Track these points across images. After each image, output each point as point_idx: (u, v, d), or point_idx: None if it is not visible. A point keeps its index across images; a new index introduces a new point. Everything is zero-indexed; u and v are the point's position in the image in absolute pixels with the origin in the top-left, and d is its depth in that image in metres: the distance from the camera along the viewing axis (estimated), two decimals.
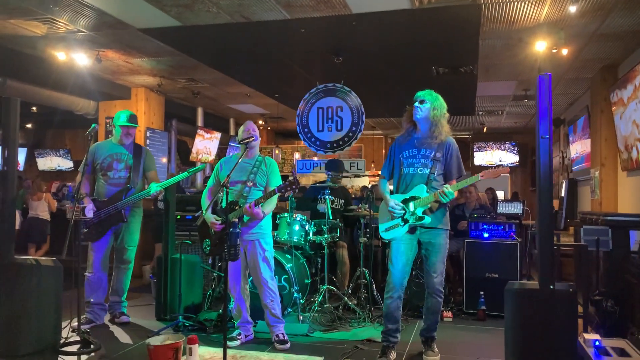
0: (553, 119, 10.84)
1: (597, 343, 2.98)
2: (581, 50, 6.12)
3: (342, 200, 5.90)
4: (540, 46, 5.82)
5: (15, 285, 3.83)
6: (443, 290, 3.91)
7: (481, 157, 13.93)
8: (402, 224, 3.80)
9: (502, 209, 5.60)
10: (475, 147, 14.11)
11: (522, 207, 5.52)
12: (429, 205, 3.75)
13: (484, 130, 13.28)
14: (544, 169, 2.87)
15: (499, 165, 3.99)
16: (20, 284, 3.84)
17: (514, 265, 5.14)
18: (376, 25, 5.56)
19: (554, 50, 5.96)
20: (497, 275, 5.14)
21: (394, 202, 3.81)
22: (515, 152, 13.72)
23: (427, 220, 3.73)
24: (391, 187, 4.02)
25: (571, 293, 2.87)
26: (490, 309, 5.06)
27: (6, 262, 3.88)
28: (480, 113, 11.14)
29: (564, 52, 6.02)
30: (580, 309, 3.84)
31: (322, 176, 7.33)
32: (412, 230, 3.81)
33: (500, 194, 13.12)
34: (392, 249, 3.87)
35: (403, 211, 3.79)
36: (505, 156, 13.83)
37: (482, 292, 5.12)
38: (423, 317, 4.01)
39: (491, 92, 8.97)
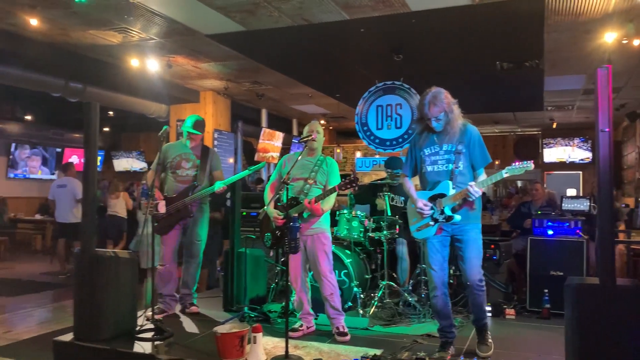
0: (628, 113, 10.31)
1: None
2: None
3: (402, 198, 5.93)
4: (610, 38, 5.63)
5: (96, 275, 4.16)
6: (484, 284, 3.85)
7: (551, 154, 13.45)
8: (432, 223, 3.76)
9: (567, 205, 5.44)
10: (544, 143, 13.65)
11: (589, 203, 5.35)
12: (457, 203, 3.69)
13: (554, 126, 12.82)
14: (603, 163, 2.82)
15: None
16: (101, 274, 4.17)
17: (580, 263, 5.00)
18: (436, 22, 5.56)
19: (625, 42, 5.74)
20: (562, 274, 5.01)
21: (422, 202, 3.76)
22: (585, 147, 13.16)
23: (457, 219, 3.68)
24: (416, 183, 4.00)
25: (635, 289, 2.80)
26: (555, 307, 4.94)
27: (88, 254, 4.22)
28: (549, 108, 10.80)
29: (636, 42, 5.77)
30: None
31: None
32: (442, 228, 3.78)
33: (572, 192, 12.64)
34: (427, 248, 3.84)
35: (432, 210, 3.75)
36: (575, 152, 13.30)
37: (546, 290, 5.01)
38: (471, 310, 3.99)
39: (560, 87, 8.71)
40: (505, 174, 3.55)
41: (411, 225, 3.94)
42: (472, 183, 3.60)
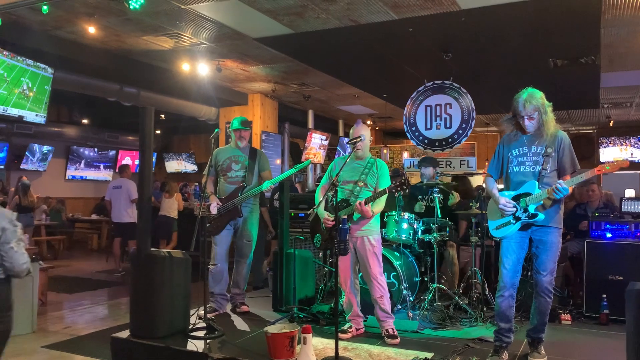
0: None
1: None
2: None
3: (441, 196, 5.79)
4: None
5: (152, 274, 4.29)
6: (552, 291, 3.77)
7: (608, 153, 12.92)
8: (514, 221, 3.70)
9: (627, 207, 5.22)
10: (600, 142, 13.14)
11: None
12: (542, 202, 3.63)
13: (611, 124, 12.33)
14: None
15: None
16: (156, 273, 4.30)
17: None
18: (487, 20, 5.45)
19: None
20: (621, 278, 4.82)
21: (505, 199, 3.72)
22: None
23: (541, 217, 3.62)
24: (500, 186, 3.93)
25: None
26: (614, 313, 4.76)
27: (144, 254, 4.36)
28: (606, 106, 10.40)
29: None
30: None
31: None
32: (524, 227, 3.71)
33: (631, 193, 12.08)
34: (503, 247, 3.80)
35: (514, 209, 3.69)
36: (633, 152, 12.73)
37: (604, 295, 4.83)
38: (530, 316, 3.88)
39: (617, 83, 8.37)
40: (597, 171, 3.49)
41: (490, 222, 3.90)
42: (561, 180, 3.56)
